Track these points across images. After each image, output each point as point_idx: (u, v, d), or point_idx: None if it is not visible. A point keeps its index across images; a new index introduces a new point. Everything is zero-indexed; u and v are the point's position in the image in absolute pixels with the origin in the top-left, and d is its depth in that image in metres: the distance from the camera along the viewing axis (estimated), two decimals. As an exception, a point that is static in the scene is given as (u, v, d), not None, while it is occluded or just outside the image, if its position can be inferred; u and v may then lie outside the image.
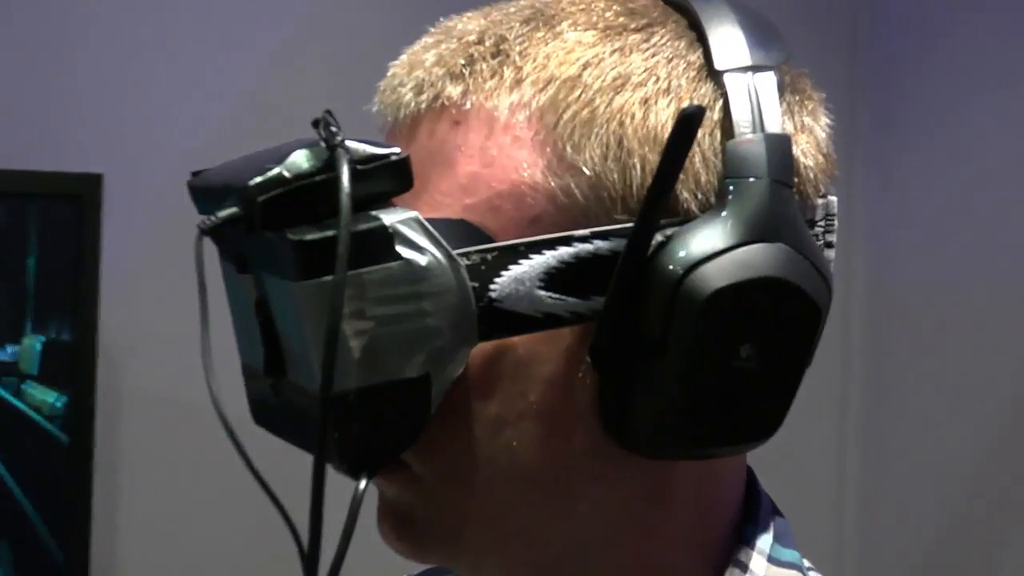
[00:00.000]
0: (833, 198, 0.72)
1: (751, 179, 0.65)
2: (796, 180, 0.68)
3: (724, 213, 0.65)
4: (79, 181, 1.95)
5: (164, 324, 2.08)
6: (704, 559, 0.73)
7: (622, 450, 0.67)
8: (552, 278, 0.65)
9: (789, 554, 0.75)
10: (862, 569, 2.51)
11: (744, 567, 0.73)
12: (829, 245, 0.72)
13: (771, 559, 0.74)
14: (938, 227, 2.39)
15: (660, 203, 0.64)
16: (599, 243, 0.66)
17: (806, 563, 0.76)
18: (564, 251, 0.65)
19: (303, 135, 0.66)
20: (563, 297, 0.66)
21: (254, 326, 0.68)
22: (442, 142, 0.69)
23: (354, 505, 0.64)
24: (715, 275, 0.64)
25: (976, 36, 2.36)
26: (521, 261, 0.65)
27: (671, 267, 0.64)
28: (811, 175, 0.70)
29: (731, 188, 0.65)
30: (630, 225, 0.65)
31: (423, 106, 0.70)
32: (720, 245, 0.64)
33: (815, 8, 2.51)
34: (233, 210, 0.63)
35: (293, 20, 2.20)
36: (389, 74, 0.72)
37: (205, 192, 0.67)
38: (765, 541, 0.74)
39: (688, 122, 0.63)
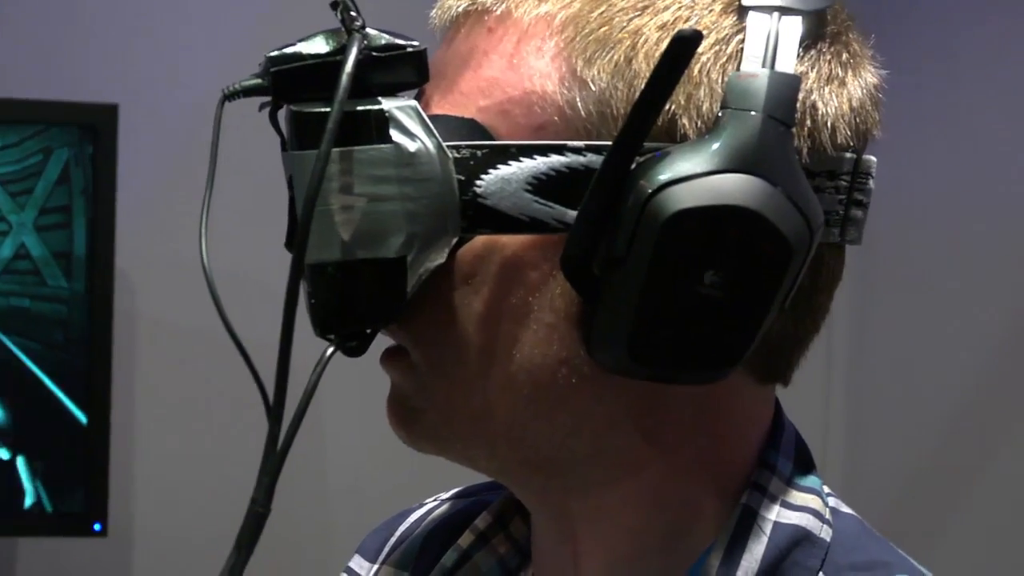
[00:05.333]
0: (870, 158, 0.73)
1: (746, 111, 0.65)
2: (808, 125, 0.69)
3: (710, 140, 0.65)
4: (95, 111, 1.95)
5: (180, 253, 2.06)
6: (719, 486, 0.74)
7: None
8: (541, 184, 0.68)
9: (810, 479, 0.76)
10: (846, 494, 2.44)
11: (763, 490, 0.74)
12: (857, 203, 0.72)
13: (791, 483, 0.75)
14: (925, 153, 2.37)
15: (643, 120, 0.65)
16: (592, 156, 0.68)
17: (826, 489, 0.77)
18: (556, 159, 0.68)
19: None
20: (551, 204, 0.68)
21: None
22: (473, 46, 0.72)
23: (319, 364, 0.69)
24: (682, 196, 0.64)
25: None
26: (511, 162, 0.68)
27: (644, 184, 0.65)
28: (829, 123, 0.70)
29: (724, 117, 0.66)
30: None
31: (460, 9, 0.73)
32: (696, 169, 0.65)
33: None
34: (255, 80, 0.71)
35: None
36: None
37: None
38: (785, 466, 0.75)
39: (680, 44, 0.64)
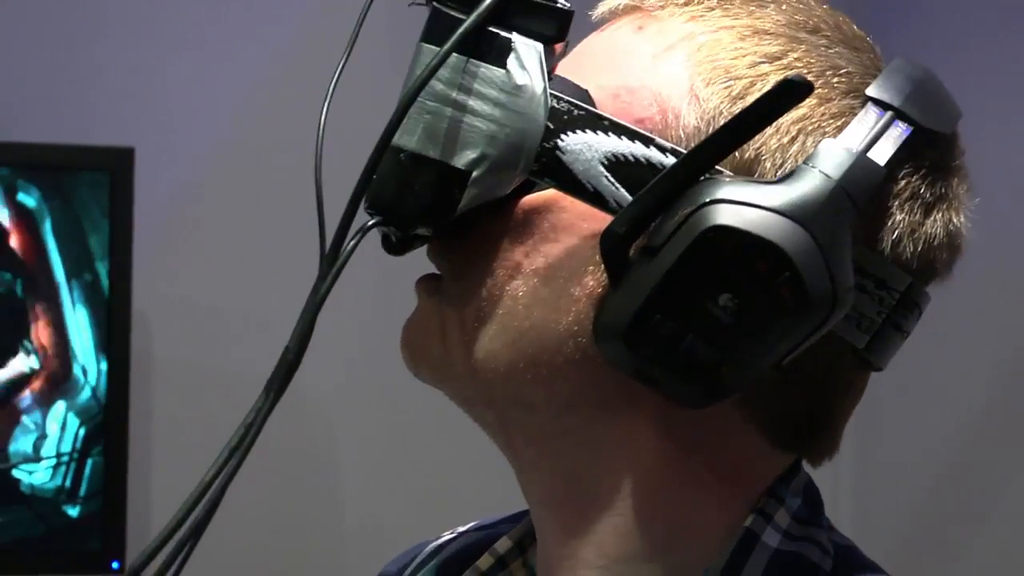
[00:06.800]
0: (926, 293, 0.75)
1: (821, 173, 0.68)
2: (876, 220, 0.72)
3: (778, 183, 0.68)
4: (111, 155, 1.96)
5: (196, 297, 2.11)
6: (722, 505, 0.75)
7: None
8: (618, 163, 0.71)
9: (815, 516, 0.77)
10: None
11: (768, 517, 0.75)
12: (896, 326, 0.74)
13: (795, 516, 0.76)
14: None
15: (730, 135, 0.69)
16: (672, 159, 0.71)
17: (833, 528, 0.78)
18: (640, 148, 0.71)
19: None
20: (617, 185, 0.71)
21: None
22: (619, 37, 0.77)
23: (358, 232, 0.72)
24: (728, 215, 0.67)
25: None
26: (599, 132, 0.72)
27: (701, 194, 0.68)
28: (897, 233, 0.72)
29: (800, 170, 0.69)
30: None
31: (620, 5, 0.78)
32: (751, 199, 0.67)
33: None
34: None
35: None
36: None
37: None
38: (793, 501, 0.76)
39: (787, 84, 0.67)
